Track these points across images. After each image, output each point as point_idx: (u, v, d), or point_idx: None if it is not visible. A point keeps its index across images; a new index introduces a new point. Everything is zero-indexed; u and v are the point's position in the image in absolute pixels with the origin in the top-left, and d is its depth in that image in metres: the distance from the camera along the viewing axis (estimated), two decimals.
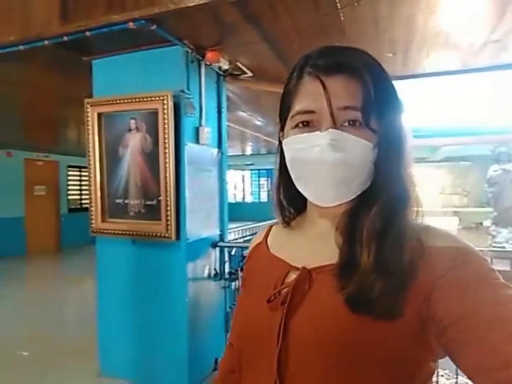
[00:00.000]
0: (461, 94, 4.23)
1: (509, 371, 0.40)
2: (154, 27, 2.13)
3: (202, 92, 2.66)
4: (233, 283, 2.94)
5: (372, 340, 0.49)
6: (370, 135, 0.55)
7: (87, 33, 2.20)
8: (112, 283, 2.75)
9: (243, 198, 15.47)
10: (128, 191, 2.63)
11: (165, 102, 2.39)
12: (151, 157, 2.51)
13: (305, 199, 0.63)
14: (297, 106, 0.57)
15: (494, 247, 5.64)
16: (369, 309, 0.49)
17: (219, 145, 2.93)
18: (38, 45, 2.35)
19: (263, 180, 14.59)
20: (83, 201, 9.78)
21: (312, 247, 0.62)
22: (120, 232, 2.64)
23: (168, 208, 2.45)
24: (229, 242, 3.15)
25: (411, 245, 0.51)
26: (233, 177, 15.24)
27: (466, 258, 0.50)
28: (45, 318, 4.30)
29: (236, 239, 4.79)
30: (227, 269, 2.90)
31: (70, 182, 9.58)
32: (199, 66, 2.64)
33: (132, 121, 2.56)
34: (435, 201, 10.11)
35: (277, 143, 0.67)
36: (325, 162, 0.54)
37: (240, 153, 11.40)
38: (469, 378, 0.45)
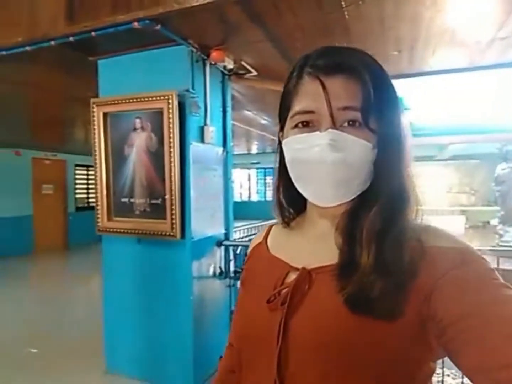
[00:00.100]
0: (468, 92, 4.18)
1: (509, 371, 0.40)
2: (158, 27, 2.14)
3: (207, 91, 2.67)
4: (238, 282, 2.95)
5: (372, 340, 0.49)
6: (369, 135, 0.55)
7: (93, 34, 2.22)
8: (118, 282, 2.77)
9: (249, 196, 15.48)
10: (133, 190, 2.65)
11: (170, 101, 2.40)
12: (156, 156, 2.53)
13: (305, 200, 0.63)
14: (297, 106, 0.57)
15: (501, 246, 5.58)
16: (369, 309, 0.49)
17: (224, 144, 2.94)
18: (45, 46, 2.37)
19: (269, 179, 14.56)
20: (90, 200, 9.85)
21: (312, 248, 0.62)
22: (125, 230, 2.66)
23: (173, 207, 2.47)
24: (234, 240, 3.16)
25: (411, 245, 0.51)
26: (239, 175, 15.27)
27: (466, 258, 0.50)
28: (52, 316, 4.35)
29: (242, 237, 4.79)
30: (232, 268, 2.91)
31: (77, 181, 9.66)
32: (204, 66, 2.65)
33: (138, 121, 2.58)
34: (442, 200, 10.03)
35: None
36: (324, 162, 0.54)
37: (246, 152, 11.41)
38: (469, 378, 0.45)
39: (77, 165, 9.53)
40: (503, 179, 6.18)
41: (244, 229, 5.18)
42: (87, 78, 2.89)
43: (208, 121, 2.68)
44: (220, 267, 2.84)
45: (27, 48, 2.41)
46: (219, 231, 2.89)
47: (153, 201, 2.58)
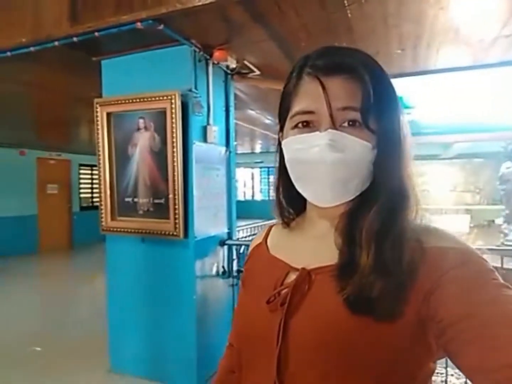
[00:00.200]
0: (472, 90, 4.16)
1: (510, 371, 0.40)
2: (161, 27, 2.15)
3: (210, 91, 2.68)
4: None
5: (372, 341, 0.49)
6: (369, 135, 0.54)
7: (96, 34, 2.23)
8: (122, 281, 2.79)
9: (253, 196, 15.49)
10: (137, 189, 2.66)
11: (173, 101, 2.41)
12: (160, 156, 2.53)
13: (304, 200, 0.63)
14: (297, 107, 0.57)
15: (506, 245, 5.55)
16: (368, 310, 0.49)
17: (227, 143, 2.94)
18: (49, 46, 2.39)
19: (272, 178, 14.51)
20: (95, 200, 9.89)
21: (311, 248, 0.62)
22: (129, 230, 2.67)
23: (176, 206, 2.47)
24: (237, 240, 3.17)
25: (411, 245, 0.51)
26: (242, 175, 15.28)
27: (466, 259, 0.50)
28: (57, 315, 4.39)
29: (246, 237, 4.79)
30: (235, 267, 2.92)
31: (82, 181, 9.71)
32: (207, 65, 2.65)
33: (141, 121, 2.59)
34: (446, 198, 9.98)
35: None
36: (324, 162, 0.54)
37: (250, 151, 11.41)
38: (469, 378, 0.45)
39: (81, 165, 9.57)
40: (508, 178, 6.14)
41: (247, 228, 5.19)
42: (91, 78, 2.90)
43: (211, 121, 2.69)
44: (223, 267, 2.85)
45: (31, 48, 2.43)
46: (222, 230, 2.89)
47: (157, 201, 2.59)
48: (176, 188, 2.47)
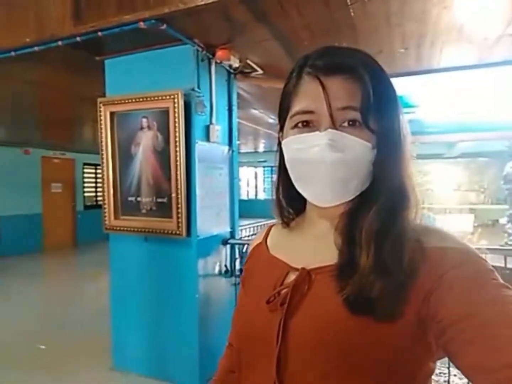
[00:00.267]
0: (477, 89, 4.14)
1: (510, 371, 0.40)
2: (164, 26, 2.15)
3: (213, 90, 2.68)
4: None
5: (372, 341, 0.49)
6: (369, 135, 0.54)
7: (99, 34, 2.24)
8: (125, 280, 2.80)
9: (256, 195, 15.50)
10: (140, 188, 2.67)
11: (175, 100, 2.41)
12: (163, 155, 2.54)
13: (304, 200, 0.63)
14: (296, 107, 0.57)
15: (510, 245, 5.52)
16: (368, 310, 0.49)
17: (230, 142, 2.95)
18: (53, 46, 2.40)
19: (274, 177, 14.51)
20: (99, 198, 9.94)
21: (311, 248, 0.62)
22: (132, 229, 2.68)
23: (179, 205, 2.48)
24: (240, 239, 3.17)
25: (411, 245, 0.51)
26: (246, 174, 15.29)
27: (465, 259, 0.50)
28: (61, 313, 4.41)
29: (249, 236, 4.79)
30: (237, 266, 2.92)
31: (86, 180, 9.76)
32: (210, 65, 2.65)
33: (144, 120, 2.59)
34: (451, 198, 9.94)
35: None
36: (324, 162, 0.54)
37: (253, 150, 11.41)
38: (469, 378, 0.45)
39: (85, 164, 9.62)
40: None
41: (250, 227, 5.19)
42: (94, 77, 2.91)
43: (213, 120, 2.69)
44: (225, 266, 2.86)
45: (35, 48, 2.44)
46: (225, 229, 2.90)
47: (159, 200, 2.60)
48: (179, 187, 2.48)
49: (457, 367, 0.47)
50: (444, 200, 9.49)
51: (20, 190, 7.93)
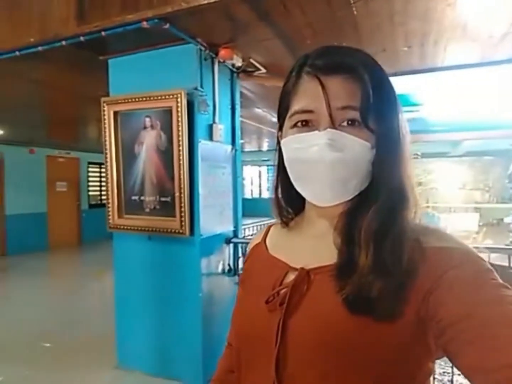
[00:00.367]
0: (481, 88, 4.11)
1: (510, 371, 0.40)
2: (167, 26, 2.16)
3: (216, 89, 2.68)
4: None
5: (371, 341, 0.49)
6: (368, 135, 0.54)
7: (103, 33, 2.25)
8: (129, 278, 2.82)
9: (260, 193, 15.50)
10: (143, 188, 2.68)
11: (178, 100, 2.42)
12: (166, 155, 2.55)
13: (303, 199, 0.63)
14: (296, 106, 0.57)
15: None
16: (368, 310, 0.49)
17: (233, 141, 2.95)
18: (57, 46, 2.41)
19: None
20: (103, 197, 9.97)
21: (310, 248, 0.62)
22: (136, 228, 2.70)
23: (182, 204, 2.49)
24: (243, 238, 3.17)
25: (410, 245, 0.51)
26: (249, 173, 15.29)
27: (465, 259, 0.50)
28: (66, 311, 4.44)
29: (252, 234, 4.79)
30: (241, 265, 2.93)
31: (90, 179, 9.79)
32: (212, 64, 2.65)
33: (147, 119, 2.60)
34: (455, 196, 9.88)
35: None
36: (323, 161, 0.54)
37: (257, 149, 11.40)
38: (468, 378, 0.45)
39: (90, 163, 9.66)
40: None
41: (254, 226, 5.19)
42: (98, 77, 2.92)
43: (216, 119, 2.69)
44: (229, 264, 2.86)
45: (39, 48, 2.45)
46: (228, 228, 2.90)
47: (163, 199, 2.61)
48: (182, 186, 2.48)
49: (457, 367, 0.47)
50: (449, 199, 9.44)
51: (26, 189, 7.99)
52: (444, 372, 2.67)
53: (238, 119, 3.00)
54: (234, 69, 2.90)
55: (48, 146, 8.38)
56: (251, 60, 2.81)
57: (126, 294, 2.84)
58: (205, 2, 1.92)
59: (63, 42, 2.38)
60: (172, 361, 2.68)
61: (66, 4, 2.32)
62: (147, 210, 2.67)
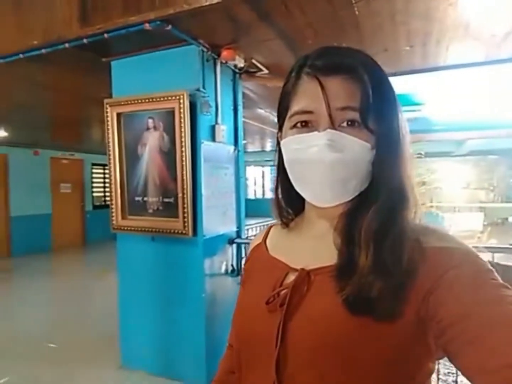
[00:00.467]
0: (485, 86, 4.09)
1: (510, 372, 0.40)
2: (169, 27, 2.16)
3: (218, 90, 2.69)
4: None
5: (371, 341, 0.49)
6: (368, 135, 0.54)
7: (105, 35, 2.26)
8: (132, 279, 2.83)
9: (263, 194, 15.50)
10: (147, 188, 2.69)
11: (181, 101, 2.43)
12: (169, 156, 2.56)
13: (303, 200, 0.63)
14: (295, 106, 0.57)
15: None
16: (368, 310, 0.49)
17: (236, 142, 2.95)
18: (60, 48, 2.42)
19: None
20: (107, 198, 10.01)
21: (310, 248, 0.62)
22: (139, 228, 2.71)
23: (185, 205, 2.49)
24: (246, 238, 3.17)
25: (410, 245, 0.51)
26: (253, 173, 15.30)
27: (465, 259, 0.50)
28: (71, 312, 4.46)
29: (255, 235, 4.78)
30: (243, 266, 2.92)
31: (94, 180, 9.84)
32: (215, 65, 2.66)
33: (150, 121, 2.61)
34: (460, 196, 9.84)
35: None
36: (323, 162, 0.54)
37: (260, 149, 11.41)
38: (469, 378, 0.45)
39: (94, 164, 9.70)
40: None
41: (257, 227, 5.19)
42: (101, 78, 2.94)
43: (219, 120, 2.70)
44: (232, 265, 2.87)
45: (43, 51, 2.47)
46: (231, 229, 2.91)
47: (166, 200, 2.61)
48: (185, 187, 2.49)
49: (457, 368, 0.47)
50: (453, 199, 9.39)
51: (30, 190, 8.04)
52: (448, 373, 2.66)
53: (240, 119, 3.00)
54: (236, 70, 2.90)
55: (52, 148, 8.43)
56: (253, 61, 2.82)
57: (129, 295, 2.85)
58: (207, 3, 1.93)
59: (66, 45, 2.39)
60: (176, 361, 2.69)
61: (69, 7, 2.34)
62: (150, 211, 2.68)
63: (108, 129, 2.74)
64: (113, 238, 2.99)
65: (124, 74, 2.77)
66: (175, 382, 2.65)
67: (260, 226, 5.28)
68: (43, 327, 3.94)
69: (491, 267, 0.50)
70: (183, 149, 2.47)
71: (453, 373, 2.56)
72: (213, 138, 2.66)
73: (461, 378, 2.52)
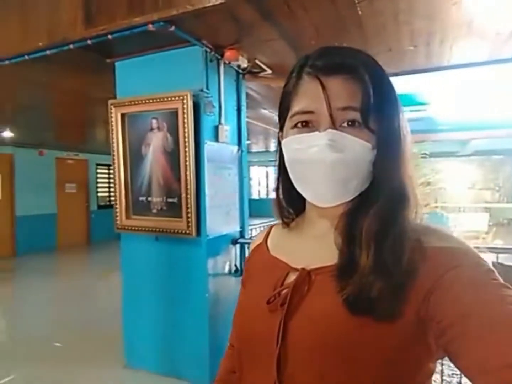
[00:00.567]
0: (490, 86, 4.06)
1: (510, 371, 0.40)
2: (173, 28, 2.17)
3: (221, 91, 2.69)
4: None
5: (371, 341, 0.49)
6: (369, 135, 0.54)
7: (109, 36, 2.27)
8: (136, 279, 2.84)
9: (267, 194, 15.49)
10: (150, 189, 2.70)
11: (184, 101, 2.43)
12: (172, 156, 2.57)
13: (304, 200, 0.63)
14: (296, 106, 0.58)
15: None
16: (368, 310, 0.49)
17: (239, 142, 2.96)
18: (65, 49, 2.44)
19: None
20: (112, 198, 10.06)
21: (311, 248, 0.62)
22: (143, 228, 2.72)
23: (189, 205, 2.50)
24: (250, 238, 3.18)
25: (411, 245, 0.51)
26: (257, 173, 15.30)
27: (466, 259, 0.50)
28: (76, 311, 4.49)
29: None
30: (244, 265, 2.92)
31: (99, 180, 9.89)
32: (218, 65, 2.66)
33: (154, 121, 2.62)
34: (465, 196, 9.78)
35: None
36: (323, 162, 0.54)
37: (264, 150, 11.41)
38: (469, 379, 0.45)
39: (98, 164, 9.75)
40: None
41: (261, 227, 5.19)
42: (106, 79, 2.96)
43: (222, 120, 2.70)
44: (235, 265, 2.87)
45: (48, 52, 2.49)
46: (234, 229, 2.91)
47: (170, 200, 2.62)
48: (188, 187, 2.50)
49: (458, 368, 0.47)
50: (458, 199, 9.34)
51: (36, 190, 8.10)
52: (453, 374, 2.64)
53: (244, 120, 3.00)
54: (240, 70, 2.90)
55: (57, 148, 8.49)
56: (257, 61, 2.82)
57: (133, 294, 2.86)
58: (210, 4, 1.94)
59: (71, 46, 2.41)
60: (179, 360, 2.69)
61: (73, 8, 2.35)
62: (154, 211, 2.69)
63: (112, 130, 2.76)
64: (117, 237, 3.00)
65: (128, 75, 2.78)
66: (178, 381, 2.66)
67: (263, 226, 5.28)
68: (48, 326, 3.97)
69: (492, 267, 0.50)
70: (187, 149, 2.47)
71: (457, 375, 2.54)
72: (216, 138, 2.67)
73: (465, 380, 2.50)
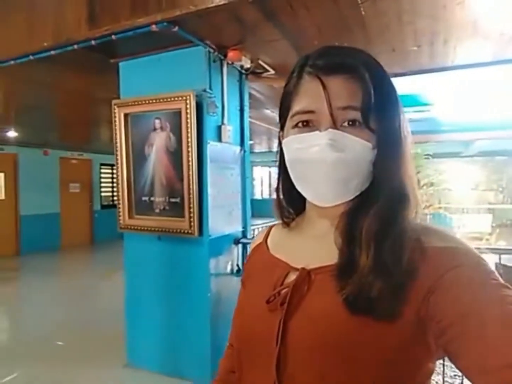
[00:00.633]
0: (493, 86, 4.04)
1: (510, 372, 0.40)
2: (176, 29, 2.18)
3: (224, 91, 2.70)
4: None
5: (371, 340, 0.49)
6: (369, 135, 0.54)
7: (113, 37, 2.28)
8: (139, 278, 2.85)
9: (270, 194, 15.49)
10: (153, 188, 2.71)
11: (187, 102, 2.44)
12: (175, 156, 2.57)
13: (304, 200, 0.63)
14: (297, 106, 0.58)
15: None
16: (368, 310, 0.49)
17: (242, 143, 2.96)
18: (69, 50, 2.46)
19: None
20: (115, 198, 10.06)
21: (311, 248, 0.62)
22: (146, 228, 2.73)
23: (191, 205, 2.51)
24: (252, 238, 3.18)
25: (411, 245, 0.51)
26: (260, 173, 15.30)
27: (466, 259, 0.50)
28: (77, 310, 4.51)
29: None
30: (244, 265, 2.92)
31: (102, 180, 9.92)
32: (221, 65, 2.67)
33: (157, 121, 2.63)
34: (468, 197, 9.73)
35: None
36: (324, 162, 0.54)
37: (267, 150, 11.41)
38: (469, 379, 0.45)
39: (102, 164, 9.78)
40: None
41: (263, 227, 5.19)
42: (109, 79, 2.97)
43: (225, 121, 2.71)
44: (237, 265, 2.87)
45: (52, 52, 2.50)
46: (237, 229, 2.91)
47: (172, 200, 2.63)
48: (191, 187, 2.50)
49: (457, 368, 0.47)
50: (461, 200, 9.30)
51: (40, 190, 8.14)
52: (455, 375, 2.63)
53: (246, 120, 3.01)
54: (243, 71, 2.91)
55: (61, 148, 8.52)
56: (260, 62, 2.82)
57: (136, 294, 2.87)
58: (213, 4, 1.94)
59: (75, 46, 2.42)
60: (181, 360, 2.70)
61: (77, 9, 2.37)
62: (157, 210, 2.70)
63: (115, 130, 2.77)
64: (120, 237, 3.02)
65: (131, 75, 2.80)
66: (180, 381, 2.66)
67: (266, 226, 5.27)
68: (51, 325, 3.98)
69: (492, 268, 0.50)
70: (190, 149, 2.48)
71: (459, 376, 2.53)
72: (219, 138, 2.67)
73: (468, 382, 2.49)
